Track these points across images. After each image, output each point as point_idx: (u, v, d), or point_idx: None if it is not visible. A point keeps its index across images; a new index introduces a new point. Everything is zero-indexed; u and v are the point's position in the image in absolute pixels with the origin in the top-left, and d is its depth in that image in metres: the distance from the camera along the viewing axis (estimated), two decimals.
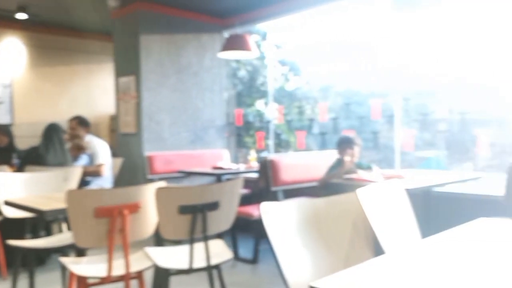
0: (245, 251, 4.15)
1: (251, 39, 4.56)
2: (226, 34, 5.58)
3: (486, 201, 3.47)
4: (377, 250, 1.64)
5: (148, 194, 2.27)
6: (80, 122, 4.47)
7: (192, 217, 2.27)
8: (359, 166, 3.53)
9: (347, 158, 3.47)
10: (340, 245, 1.64)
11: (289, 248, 1.48)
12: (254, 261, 3.91)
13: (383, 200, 1.80)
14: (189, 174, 4.60)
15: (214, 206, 2.32)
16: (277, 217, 1.50)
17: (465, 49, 4.28)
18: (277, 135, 6.78)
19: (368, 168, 3.53)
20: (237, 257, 4.07)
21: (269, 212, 1.48)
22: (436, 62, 4.68)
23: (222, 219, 2.42)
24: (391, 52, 4.36)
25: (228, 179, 3.46)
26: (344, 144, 3.52)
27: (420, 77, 4.98)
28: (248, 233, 4.22)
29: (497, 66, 3.94)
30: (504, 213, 2.79)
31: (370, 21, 5.01)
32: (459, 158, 4.74)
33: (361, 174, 3.25)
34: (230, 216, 2.47)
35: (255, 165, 4.40)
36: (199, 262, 2.36)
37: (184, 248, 2.41)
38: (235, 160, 5.83)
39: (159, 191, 2.20)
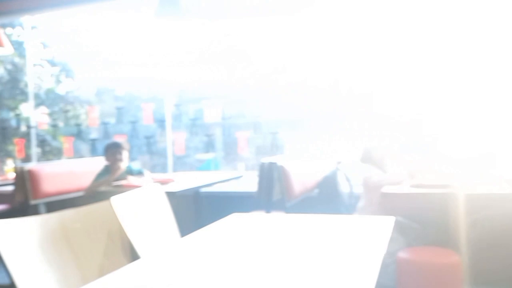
0: (4, 275, 3.60)
1: (2, 33, 3.99)
2: None
3: (247, 197, 3.84)
4: (134, 256, 1.62)
5: None
6: None
7: None
8: (130, 171, 3.45)
9: (115, 164, 3.36)
10: (93, 256, 1.55)
11: (30, 268, 1.33)
12: (12, 286, 3.42)
13: (139, 205, 1.78)
14: None
15: None
16: (14, 235, 1.33)
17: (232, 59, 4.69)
18: (46, 142, 6.17)
19: (139, 173, 3.49)
20: None
21: (3, 232, 1.29)
22: (206, 70, 5.00)
23: None
24: (170, 57, 4.46)
25: None
26: (112, 150, 3.39)
27: (194, 84, 5.24)
28: None
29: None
30: (258, 207, 3.15)
31: (138, 27, 5.02)
32: (233, 159, 5.17)
33: (131, 180, 3.19)
34: None
35: (12, 176, 3.86)
36: None
37: None
38: None
39: None
